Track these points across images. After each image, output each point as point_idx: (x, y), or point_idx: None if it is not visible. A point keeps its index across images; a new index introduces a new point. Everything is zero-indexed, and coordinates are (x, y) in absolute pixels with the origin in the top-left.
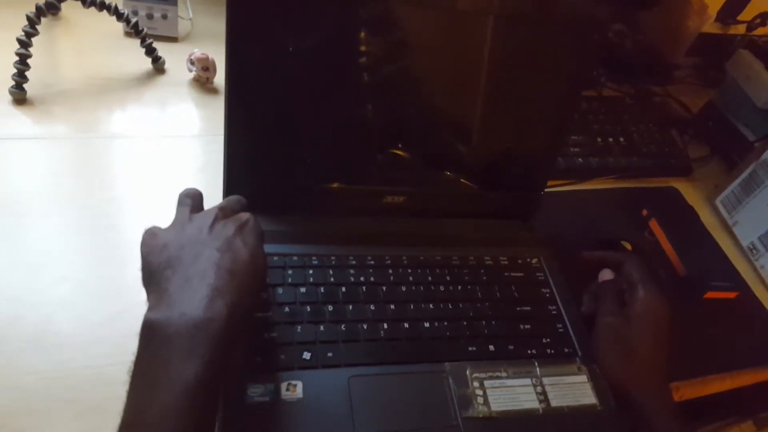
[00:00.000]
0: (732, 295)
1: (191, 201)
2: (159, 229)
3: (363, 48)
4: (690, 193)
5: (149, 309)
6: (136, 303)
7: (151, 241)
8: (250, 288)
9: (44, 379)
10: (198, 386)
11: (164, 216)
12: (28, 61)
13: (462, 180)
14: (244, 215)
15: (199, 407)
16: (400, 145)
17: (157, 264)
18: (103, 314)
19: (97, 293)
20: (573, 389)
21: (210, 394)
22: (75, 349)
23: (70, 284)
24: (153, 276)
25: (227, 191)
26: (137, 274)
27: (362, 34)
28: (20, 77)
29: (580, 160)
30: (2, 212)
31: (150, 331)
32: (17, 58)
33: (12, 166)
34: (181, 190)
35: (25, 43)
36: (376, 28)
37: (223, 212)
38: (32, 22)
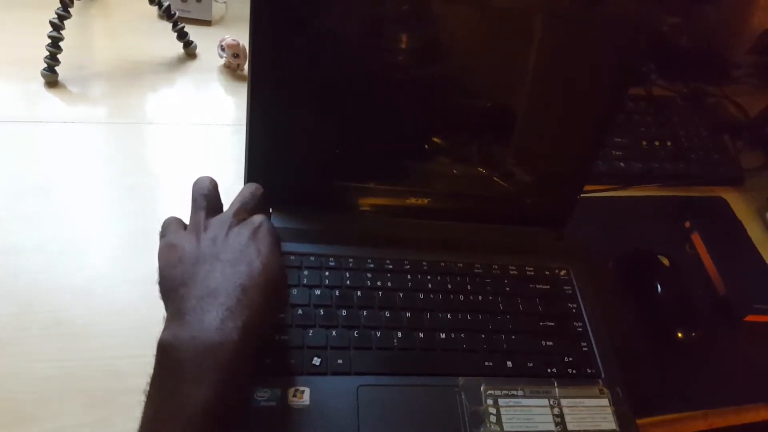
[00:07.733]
0: None
1: (206, 202)
2: (176, 237)
3: (397, 40)
4: (739, 204)
5: (164, 328)
6: (152, 295)
7: (168, 254)
8: (264, 304)
9: (57, 368)
10: (205, 415)
11: (188, 207)
12: (61, 43)
13: (495, 178)
14: (257, 218)
15: None
16: (430, 143)
17: (172, 280)
18: (119, 305)
19: (115, 283)
20: (592, 413)
21: (220, 424)
22: (89, 339)
23: (90, 272)
24: (168, 293)
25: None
26: (156, 265)
27: (396, 26)
28: (52, 60)
29: (621, 164)
30: (29, 196)
31: (163, 353)
32: (49, 41)
33: (41, 150)
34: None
35: (57, 26)
36: (412, 21)
37: (238, 217)
38: (65, 5)
